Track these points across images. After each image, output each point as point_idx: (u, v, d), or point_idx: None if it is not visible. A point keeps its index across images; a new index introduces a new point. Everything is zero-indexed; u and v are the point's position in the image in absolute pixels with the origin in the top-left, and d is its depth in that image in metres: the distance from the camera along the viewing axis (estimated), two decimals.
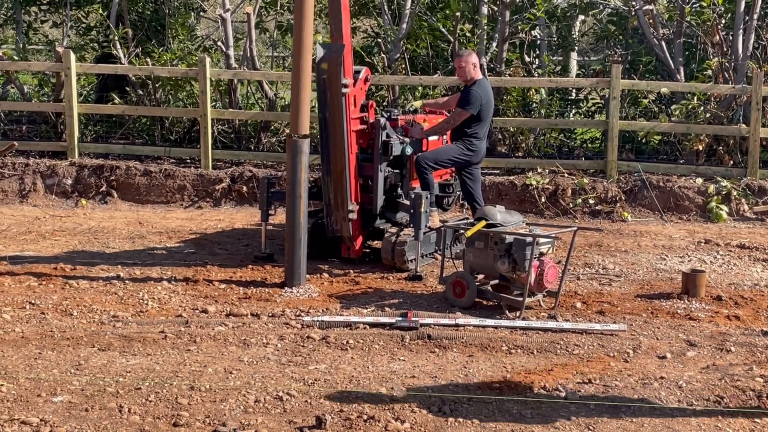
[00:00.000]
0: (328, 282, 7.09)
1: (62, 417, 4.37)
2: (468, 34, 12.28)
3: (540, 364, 5.27)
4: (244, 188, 10.47)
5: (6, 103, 12.64)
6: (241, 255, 7.99)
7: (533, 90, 11.84)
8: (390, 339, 5.61)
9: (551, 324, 5.91)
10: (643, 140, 11.86)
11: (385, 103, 11.76)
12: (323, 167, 7.39)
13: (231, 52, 11.83)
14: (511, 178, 10.47)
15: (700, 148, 10.83)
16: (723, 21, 11.55)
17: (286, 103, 12.13)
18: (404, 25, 12.02)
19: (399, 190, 7.79)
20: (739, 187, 10.07)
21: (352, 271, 7.37)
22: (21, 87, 12.91)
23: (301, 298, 6.59)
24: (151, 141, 12.11)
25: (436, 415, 4.48)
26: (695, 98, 10.89)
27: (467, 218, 7.59)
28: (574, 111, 13.07)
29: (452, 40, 11.76)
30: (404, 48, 12.04)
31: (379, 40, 12.53)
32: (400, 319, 5.90)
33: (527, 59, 12.65)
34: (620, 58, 12.78)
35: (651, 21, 11.74)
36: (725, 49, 11.34)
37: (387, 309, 6.27)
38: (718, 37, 11.35)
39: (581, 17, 14.48)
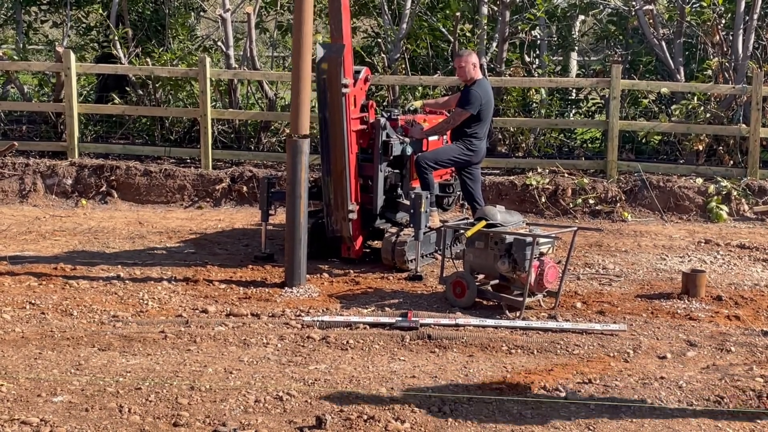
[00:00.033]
0: (328, 282, 7.09)
1: (62, 417, 4.37)
2: (468, 34, 12.28)
3: (540, 364, 5.27)
4: (245, 188, 10.47)
5: (6, 103, 12.64)
6: (241, 255, 7.99)
7: (533, 90, 11.84)
8: (390, 339, 5.61)
9: (551, 324, 5.91)
10: (643, 140, 11.86)
11: (385, 103, 11.76)
12: (323, 167, 7.39)
13: (231, 52, 11.83)
14: (511, 178, 10.47)
15: (700, 148, 10.83)
16: (723, 21, 11.55)
17: (286, 103, 12.13)
18: (404, 25, 12.02)
19: (399, 190, 7.79)
20: (739, 187, 10.07)
21: (352, 271, 7.37)
22: (21, 87, 12.91)
23: (301, 298, 6.59)
24: (151, 141, 12.11)
25: (436, 415, 4.48)
26: (695, 98, 10.89)
27: (467, 218, 7.59)
28: (574, 111, 13.07)
29: (452, 40, 11.76)
30: (404, 48, 12.04)
31: (379, 40, 12.53)
32: (400, 319, 5.90)
33: (527, 59, 12.65)
34: (620, 58, 12.78)
35: (651, 21, 11.74)
36: (725, 49, 11.34)
37: (387, 309, 6.27)
38: (718, 37, 11.35)
39: (581, 17, 14.48)
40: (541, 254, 6.26)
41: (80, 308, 6.22)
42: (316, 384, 4.86)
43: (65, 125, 11.33)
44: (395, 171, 7.74)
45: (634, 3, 11.91)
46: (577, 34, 14.54)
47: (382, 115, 7.79)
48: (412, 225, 7.29)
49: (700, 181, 10.20)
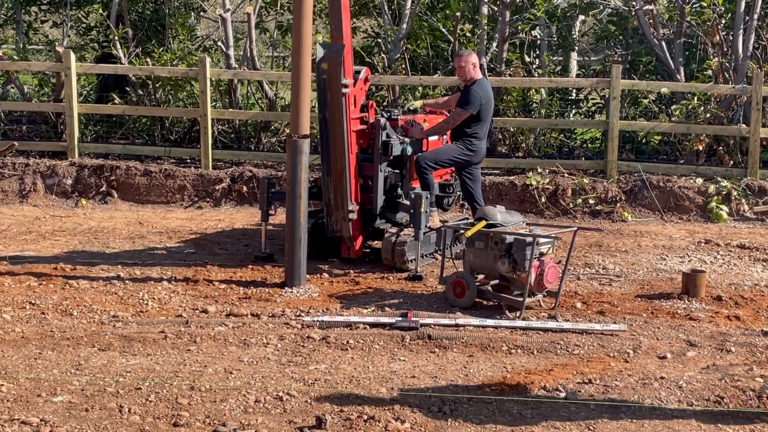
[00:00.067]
0: (328, 282, 7.09)
1: (62, 417, 4.37)
2: (468, 34, 12.28)
3: (540, 364, 5.27)
4: (245, 188, 10.47)
5: (6, 103, 12.64)
6: (241, 255, 7.99)
7: (533, 90, 11.84)
8: (390, 339, 5.61)
9: (551, 324, 5.91)
10: (644, 140, 11.86)
11: (385, 103, 11.76)
12: (323, 167, 7.39)
13: (231, 52, 11.83)
14: (512, 178, 10.47)
15: (701, 148, 10.83)
16: (723, 21, 11.55)
17: (286, 103, 12.13)
18: (404, 25, 12.02)
19: (399, 190, 7.79)
20: (740, 187, 10.07)
21: (352, 271, 7.37)
22: (21, 87, 12.91)
23: (301, 298, 6.59)
24: (151, 141, 12.11)
25: (436, 415, 4.49)
26: (695, 98, 10.89)
27: (467, 218, 7.59)
28: (574, 111, 13.07)
29: (452, 40, 11.76)
30: (404, 48, 12.04)
31: (379, 40, 12.53)
32: (400, 319, 5.90)
33: (527, 59, 12.65)
34: (620, 58, 12.78)
35: (651, 21, 11.74)
36: (725, 49, 11.34)
37: (387, 309, 6.27)
38: (718, 37, 11.35)
39: (581, 17, 14.48)
40: (541, 254, 6.26)
41: (80, 308, 6.22)
42: (316, 384, 4.86)
43: (65, 125, 11.33)
44: (395, 171, 7.74)
45: (634, 3, 11.91)
46: (577, 34, 14.54)
47: (382, 115, 7.79)
48: (412, 225, 7.29)
49: (700, 181, 10.20)
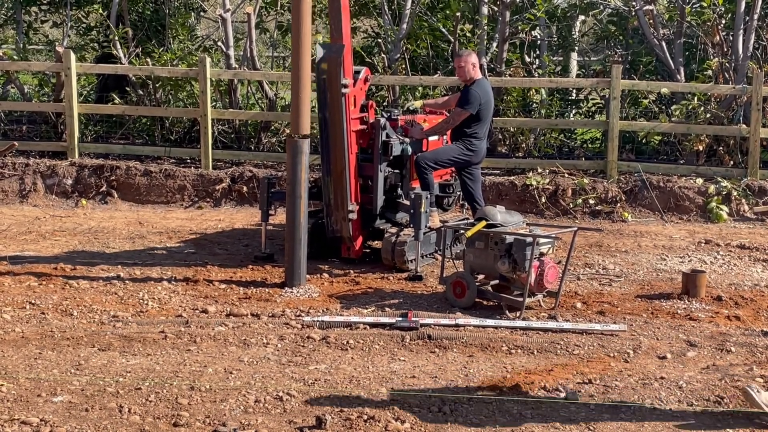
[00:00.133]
0: (328, 282, 7.09)
1: (62, 417, 4.37)
2: (468, 35, 12.28)
3: (540, 364, 5.27)
4: (245, 188, 10.47)
5: (6, 103, 12.64)
6: (241, 255, 7.99)
7: (533, 90, 11.84)
8: (390, 339, 5.61)
9: (551, 324, 5.91)
10: (644, 140, 11.86)
11: (385, 104, 11.76)
12: (323, 167, 7.39)
13: (231, 52, 11.83)
14: (512, 178, 10.47)
15: (701, 148, 10.82)
16: (723, 21, 11.55)
17: (287, 103, 12.13)
18: (404, 26, 12.02)
19: (399, 190, 7.79)
20: (740, 187, 10.07)
21: (352, 271, 7.37)
22: (21, 87, 12.91)
23: (301, 298, 6.59)
24: (151, 141, 12.11)
25: (436, 415, 4.49)
26: (695, 98, 10.89)
27: (467, 218, 7.59)
28: (574, 111, 13.07)
29: (452, 40, 11.76)
30: (404, 48, 12.04)
31: (379, 40, 12.53)
32: (400, 319, 5.90)
33: (527, 59, 12.65)
34: (620, 59, 12.77)
35: (651, 21, 11.74)
36: (725, 50, 11.34)
37: (387, 309, 6.27)
38: (718, 38, 11.35)
39: (581, 17, 14.48)
40: (541, 254, 6.26)
41: (80, 308, 6.22)
42: (316, 384, 4.86)
43: (65, 125, 11.33)
44: (395, 171, 7.74)
45: (634, 3, 11.91)
46: (577, 34, 14.53)
47: (382, 115, 7.79)
48: (412, 225, 7.29)
49: (700, 181, 10.20)
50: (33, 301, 6.34)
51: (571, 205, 10.03)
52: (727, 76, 11.12)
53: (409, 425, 4.34)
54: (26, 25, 15.37)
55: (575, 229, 6.74)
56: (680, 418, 4.50)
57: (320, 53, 7.11)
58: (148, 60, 12.03)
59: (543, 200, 10.05)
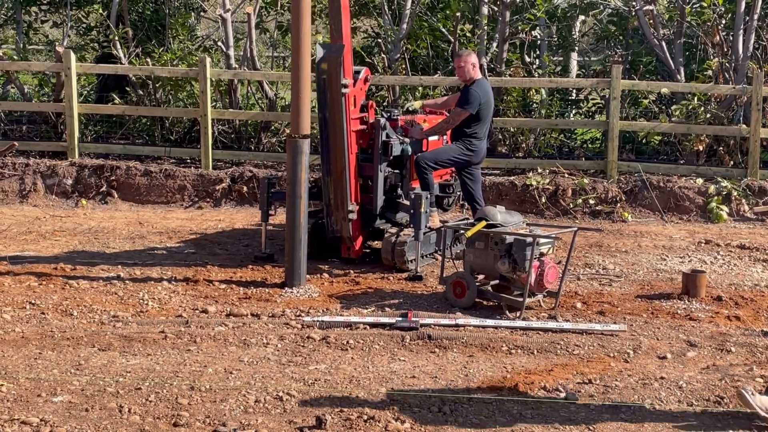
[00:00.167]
0: (328, 282, 7.09)
1: (62, 417, 4.37)
2: (468, 35, 12.28)
3: (540, 364, 5.27)
4: (245, 188, 10.47)
5: (6, 103, 12.64)
6: (242, 255, 7.99)
7: (533, 90, 11.84)
8: (390, 339, 5.61)
9: (551, 324, 5.91)
10: (644, 140, 11.86)
11: (385, 104, 11.76)
12: (323, 167, 7.39)
13: (231, 52, 11.83)
14: (512, 178, 10.47)
15: (701, 148, 10.82)
16: (723, 21, 11.55)
17: (287, 103, 12.13)
18: (404, 26, 12.02)
19: (399, 191, 7.78)
20: (740, 187, 10.07)
21: (352, 272, 7.37)
22: (21, 87, 12.91)
23: (301, 299, 6.58)
24: (152, 141, 12.11)
25: (436, 415, 4.49)
26: (695, 98, 10.89)
27: (467, 218, 7.58)
28: (574, 111, 13.07)
29: (452, 40, 11.76)
30: (404, 48, 12.04)
31: (380, 40, 12.53)
32: (400, 319, 5.90)
33: (527, 59, 12.65)
34: (620, 59, 12.77)
35: (651, 21, 11.73)
36: (725, 50, 11.34)
37: (387, 309, 6.27)
38: (718, 38, 11.35)
39: (581, 17, 14.47)
40: (542, 254, 6.26)
41: (80, 308, 6.22)
42: (316, 384, 4.86)
43: (65, 125, 11.33)
44: (395, 171, 7.74)
45: (634, 3, 11.91)
46: (577, 34, 14.53)
47: (382, 116, 7.79)
48: (412, 225, 7.29)
49: (700, 181, 10.20)
50: (33, 301, 6.34)
51: (571, 205, 10.03)
52: (727, 76, 11.12)
53: (409, 425, 4.34)
54: (26, 25, 15.37)
55: (575, 229, 6.74)
56: (680, 419, 4.50)
57: (320, 53, 7.11)
58: (148, 60, 12.03)
59: (543, 200, 10.05)
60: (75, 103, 11.09)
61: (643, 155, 11.56)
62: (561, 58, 14.76)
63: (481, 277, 6.58)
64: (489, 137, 8.25)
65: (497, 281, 6.50)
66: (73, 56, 11.12)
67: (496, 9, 12.30)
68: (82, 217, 9.81)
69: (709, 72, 11.21)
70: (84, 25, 15.31)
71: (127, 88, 12.51)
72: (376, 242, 7.86)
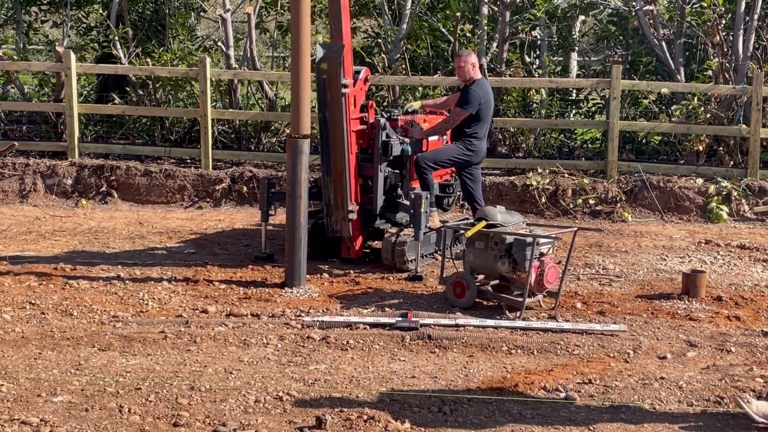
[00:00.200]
0: (328, 282, 7.09)
1: (62, 417, 4.37)
2: (468, 35, 12.28)
3: (540, 364, 5.27)
4: (245, 188, 10.47)
5: (6, 103, 12.64)
6: (241, 255, 7.99)
7: (533, 90, 11.84)
8: (390, 339, 5.61)
9: (551, 324, 5.91)
10: (644, 141, 11.86)
11: (385, 104, 11.76)
12: (323, 167, 7.39)
13: (231, 52, 11.83)
14: (512, 178, 10.47)
15: (701, 148, 10.82)
16: (723, 21, 11.55)
17: (287, 103, 12.13)
18: (404, 26, 12.02)
19: (399, 191, 7.78)
20: (740, 187, 10.07)
21: (352, 272, 7.37)
22: (21, 87, 12.91)
23: (301, 299, 6.58)
24: (152, 141, 12.11)
25: (436, 415, 4.48)
26: (695, 99, 10.89)
27: (467, 218, 7.58)
28: (574, 111, 13.07)
29: (452, 40, 11.76)
30: (404, 48, 12.04)
31: (380, 40, 12.53)
32: (400, 319, 5.90)
33: (527, 59, 12.65)
34: (620, 59, 12.77)
35: (651, 21, 11.74)
36: (726, 50, 11.34)
37: (387, 309, 6.27)
38: (718, 38, 11.35)
39: (581, 17, 14.48)
40: (542, 254, 6.26)
41: (80, 308, 6.22)
42: (316, 384, 4.86)
43: (65, 125, 11.33)
44: (395, 171, 7.74)
45: (634, 3, 11.91)
46: (577, 34, 14.53)
47: (382, 116, 7.79)
48: (412, 225, 7.29)
49: (700, 181, 10.20)
50: (33, 301, 6.34)
51: (571, 205, 10.03)
52: (727, 76, 11.12)
53: (409, 425, 4.34)
54: (26, 25, 15.37)
55: (575, 229, 6.74)
56: (680, 419, 4.50)
57: (320, 53, 7.11)
58: (148, 60, 12.03)
59: (543, 200, 10.05)
60: (75, 103, 11.09)
61: (643, 155, 11.56)
62: (561, 58, 14.76)
63: (481, 277, 6.58)
64: (489, 137, 8.25)
65: (497, 281, 6.50)
66: (73, 56, 11.12)
67: (496, 9, 12.30)
68: (82, 217, 9.81)
69: (709, 72, 11.21)
70: (84, 25, 15.32)
71: (127, 88, 12.51)
72: (376, 242, 7.86)
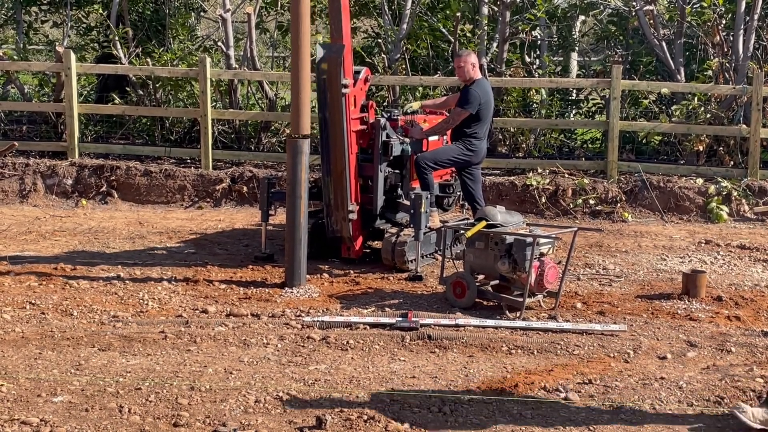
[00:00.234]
0: (328, 282, 7.09)
1: (62, 417, 4.37)
2: (468, 35, 12.28)
3: (540, 364, 5.27)
4: (245, 188, 10.47)
5: (6, 103, 12.64)
6: (242, 255, 7.99)
7: (534, 90, 11.84)
8: (390, 339, 5.61)
9: (551, 324, 5.91)
10: (644, 141, 11.86)
11: (385, 104, 11.76)
12: (323, 167, 7.39)
13: (231, 52, 11.83)
14: (512, 178, 10.47)
15: (701, 148, 10.82)
16: (723, 21, 11.55)
17: (287, 103, 12.13)
18: (404, 26, 12.02)
19: (399, 191, 7.79)
20: (740, 187, 10.06)
21: (352, 272, 7.37)
22: (21, 87, 12.91)
23: (301, 299, 6.58)
24: (152, 141, 12.11)
25: (436, 415, 4.48)
26: (696, 99, 10.89)
27: (467, 219, 7.58)
28: (574, 111, 13.07)
29: (453, 40, 11.76)
30: (404, 48, 12.04)
31: (380, 40, 12.53)
32: (400, 319, 5.90)
33: (528, 60, 12.65)
34: (621, 59, 12.77)
35: (651, 21, 11.73)
36: (726, 50, 11.34)
37: (387, 309, 6.27)
38: (718, 38, 11.35)
39: (582, 17, 14.48)
40: (542, 255, 6.26)
41: (80, 308, 6.22)
42: (316, 384, 4.86)
43: (65, 125, 11.33)
44: (395, 171, 7.74)
45: (634, 3, 11.91)
46: (577, 34, 14.53)
47: (382, 116, 7.79)
48: (412, 225, 7.29)
49: (700, 181, 10.20)
50: (33, 301, 6.34)
51: (571, 206, 10.03)
52: (727, 76, 11.11)
53: (409, 425, 4.34)
54: (26, 25, 15.37)
55: (575, 229, 6.74)
56: (680, 419, 4.50)
57: (320, 53, 7.11)
58: (148, 60, 12.03)
59: (543, 200, 10.05)
60: (75, 103, 11.09)
61: (643, 155, 11.56)
62: (561, 58, 14.76)
63: (481, 277, 6.58)
64: (489, 137, 8.25)
65: (497, 281, 6.50)
66: (73, 56, 11.12)
67: (496, 9, 12.30)
68: (82, 217, 9.81)
69: (709, 72, 11.21)
70: (84, 25, 15.32)
71: (127, 88, 12.51)
72: (376, 242, 7.86)
